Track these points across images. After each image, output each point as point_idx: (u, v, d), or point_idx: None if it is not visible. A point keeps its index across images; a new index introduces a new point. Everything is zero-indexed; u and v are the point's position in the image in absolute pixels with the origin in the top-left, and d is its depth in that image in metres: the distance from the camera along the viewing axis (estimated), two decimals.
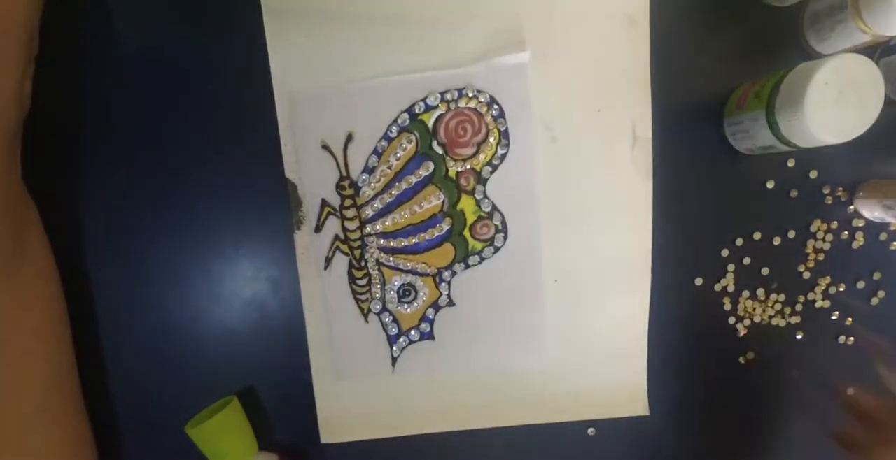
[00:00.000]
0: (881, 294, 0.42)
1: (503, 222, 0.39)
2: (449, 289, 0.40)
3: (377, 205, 0.39)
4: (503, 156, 0.39)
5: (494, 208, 0.39)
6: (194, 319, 0.40)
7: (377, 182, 0.39)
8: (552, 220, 0.40)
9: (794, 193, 0.41)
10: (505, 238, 0.40)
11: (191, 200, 0.39)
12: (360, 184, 0.39)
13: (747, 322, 0.42)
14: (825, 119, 0.33)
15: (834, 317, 0.42)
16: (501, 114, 0.39)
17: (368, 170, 0.39)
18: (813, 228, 0.41)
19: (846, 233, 0.41)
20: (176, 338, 0.40)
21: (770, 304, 0.42)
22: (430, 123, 0.38)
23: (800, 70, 0.34)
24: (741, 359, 0.42)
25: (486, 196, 0.39)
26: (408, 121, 0.38)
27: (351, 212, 0.39)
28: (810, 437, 0.43)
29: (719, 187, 0.41)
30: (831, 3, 0.36)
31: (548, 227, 0.40)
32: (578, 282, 0.40)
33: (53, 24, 0.33)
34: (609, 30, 0.38)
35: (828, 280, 0.42)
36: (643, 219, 0.40)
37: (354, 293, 0.39)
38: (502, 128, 0.39)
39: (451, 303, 0.40)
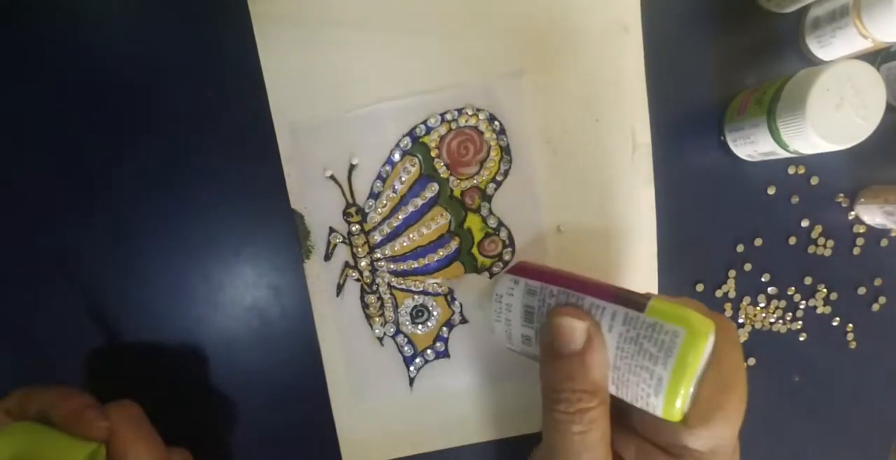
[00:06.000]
0: (882, 300, 0.42)
1: (510, 236, 0.40)
2: (461, 306, 0.40)
3: (385, 229, 0.39)
4: (506, 172, 0.39)
5: (500, 224, 0.39)
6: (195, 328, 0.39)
7: (383, 207, 0.39)
8: (557, 231, 0.40)
9: (794, 199, 0.41)
10: (512, 252, 0.40)
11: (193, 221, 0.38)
12: (366, 211, 0.39)
13: (748, 328, 0.42)
14: (826, 125, 0.32)
15: (835, 324, 0.42)
16: (502, 130, 0.38)
17: (374, 195, 0.38)
18: (814, 234, 0.41)
19: (847, 239, 0.41)
20: (179, 349, 0.39)
21: (771, 310, 0.42)
22: (432, 145, 0.38)
23: (801, 76, 0.33)
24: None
25: (491, 212, 0.39)
26: (410, 145, 0.38)
27: (359, 239, 0.39)
28: (811, 444, 0.44)
29: (720, 193, 0.41)
30: (832, 8, 0.36)
31: (553, 238, 0.40)
32: None
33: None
34: (602, 39, 0.38)
35: (828, 286, 0.42)
36: (647, 225, 0.40)
37: (368, 318, 0.39)
38: (503, 145, 0.39)
39: (464, 321, 0.40)
